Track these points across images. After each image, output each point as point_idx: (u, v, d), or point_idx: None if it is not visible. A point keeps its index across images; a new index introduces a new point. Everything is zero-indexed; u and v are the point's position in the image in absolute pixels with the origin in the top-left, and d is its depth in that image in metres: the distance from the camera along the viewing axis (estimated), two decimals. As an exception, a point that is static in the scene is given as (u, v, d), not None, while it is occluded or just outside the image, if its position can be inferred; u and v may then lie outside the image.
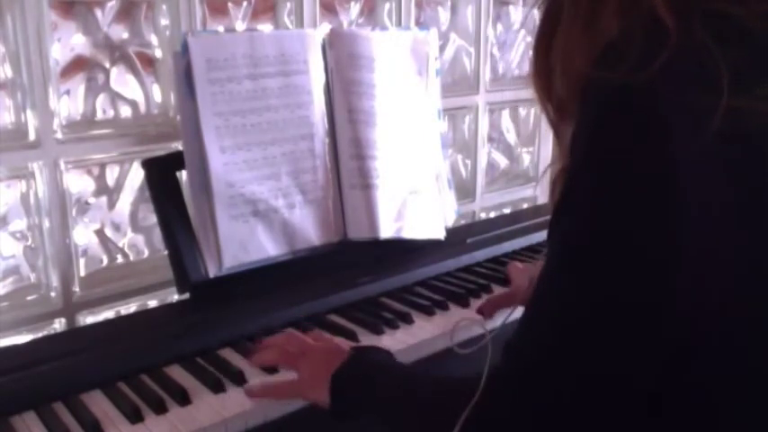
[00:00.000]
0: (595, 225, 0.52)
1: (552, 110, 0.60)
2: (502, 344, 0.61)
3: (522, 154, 1.76)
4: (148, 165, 1.08)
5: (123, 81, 1.14)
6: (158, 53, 1.16)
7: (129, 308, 1.16)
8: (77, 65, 1.09)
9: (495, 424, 0.59)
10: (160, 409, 0.85)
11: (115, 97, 1.13)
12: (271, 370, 0.94)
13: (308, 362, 0.87)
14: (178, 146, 1.12)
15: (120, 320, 1.11)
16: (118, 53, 1.12)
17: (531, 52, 0.62)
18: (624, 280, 0.51)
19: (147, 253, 1.20)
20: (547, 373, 0.55)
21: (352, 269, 1.20)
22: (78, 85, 1.09)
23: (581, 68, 0.52)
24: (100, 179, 1.14)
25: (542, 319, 0.57)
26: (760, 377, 0.52)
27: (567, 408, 0.55)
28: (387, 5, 1.41)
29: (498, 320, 1.07)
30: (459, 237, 1.38)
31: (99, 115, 1.12)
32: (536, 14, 0.62)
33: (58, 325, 1.09)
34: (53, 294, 1.08)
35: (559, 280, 0.55)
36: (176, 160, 1.08)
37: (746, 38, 0.48)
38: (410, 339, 1.05)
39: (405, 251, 1.28)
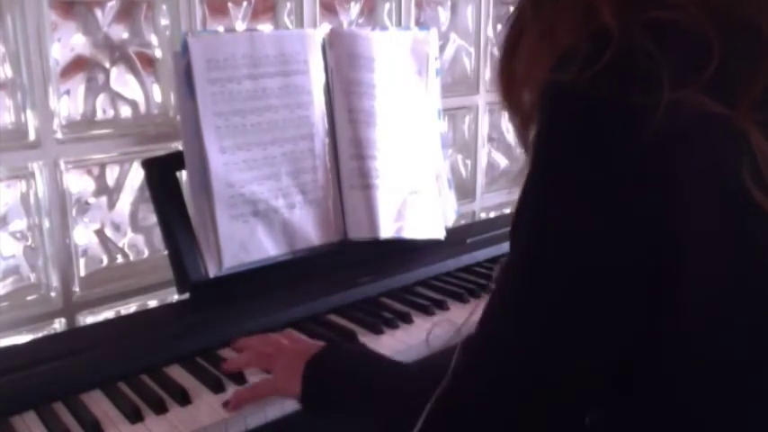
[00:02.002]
0: (546, 223, 0.55)
1: (518, 120, 0.63)
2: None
3: (523, 154, 1.76)
4: (148, 165, 1.08)
5: (123, 81, 1.14)
6: (158, 53, 1.16)
7: (129, 308, 1.16)
8: (77, 65, 1.09)
9: (459, 414, 0.60)
10: (160, 409, 0.86)
11: (115, 97, 1.13)
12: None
13: (282, 360, 0.86)
14: (178, 146, 1.12)
15: (120, 320, 1.11)
16: (118, 53, 1.12)
17: (496, 66, 0.65)
18: (577, 276, 0.53)
19: (147, 253, 1.20)
20: (504, 367, 0.56)
21: (352, 269, 1.20)
22: (78, 85, 1.09)
23: (540, 76, 0.55)
24: (100, 179, 1.14)
25: (498, 316, 0.58)
26: (739, 367, 0.53)
27: (528, 401, 0.56)
28: (387, 5, 1.41)
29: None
30: (459, 237, 1.38)
31: (99, 115, 1.12)
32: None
33: (58, 325, 1.09)
34: (53, 294, 1.08)
35: (517, 277, 0.57)
36: (176, 160, 1.08)
37: (683, 39, 0.51)
38: (410, 339, 1.05)
39: (405, 251, 1.28)
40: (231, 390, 0.90)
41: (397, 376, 0.75)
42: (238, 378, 0.92)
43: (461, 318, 1.12)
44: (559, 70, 0.52)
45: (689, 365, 0.53)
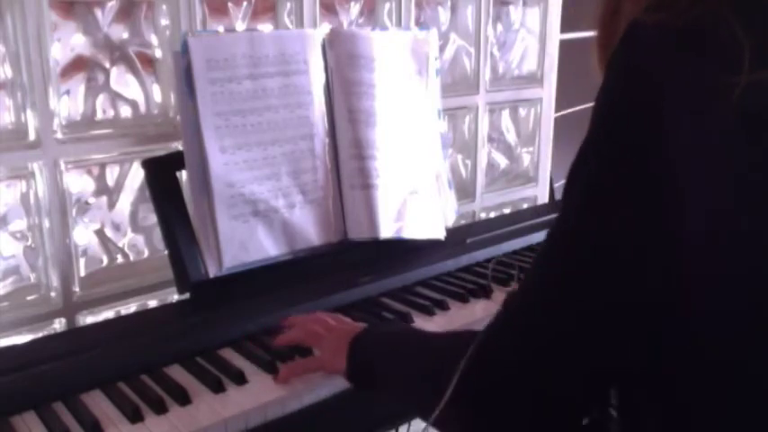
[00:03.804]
0: (591, 197, 0.55)
1: (602, 54, 0.61)
2: None
3: (522, 154, 1.76)
4: (148, 165, 1.08)
5: (123, 81, 1.14)
6: (158, 53, 1.16)
7: (129, 308, 1.16)
8: (77, 65, 1.09)
9: (491, 368, 0.60)
10: (160, 409, 0.86)
11: (115, 97, 1.13)
12: (270, 369, 0.94)
13: (330, 338, 0.89)
14: (178, 146, 1.12)
15: (120, 320, 1.11)
16: (118, 53, 1.12)
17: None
18: (614, 248, 0.53)
19: (147, 253, 1.20)
20: (542, 315, 0.57)
21: (353, 269, 1.20)
22: (78, 85, 1.09)
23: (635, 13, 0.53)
24: (100, 179, 1.14)
25: (542, 273, 0.59)
26: (759, 364, 0.52)
27: (560, 348, 0.56)
28: (387, 5, 1.41)
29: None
30: (459, 237, 1.38)
31: (99, 115, 1.12)
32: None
33: (58, 325, 1.09)
34: (53, 294, 1.08)
35: (561, 239, 0.58)
36: (176, 160, 1.08)
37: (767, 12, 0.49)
38: (410, 339, 1.05)
39: (405, 251, 1.28)
40: (231, 390, 0.90)
41: (439, 344, 0.75)
42: (239, 378, 0.92)
43: (461, 318, 1.12)
44: (648, 11, 0.51)
45: (714, 349, 0.53)
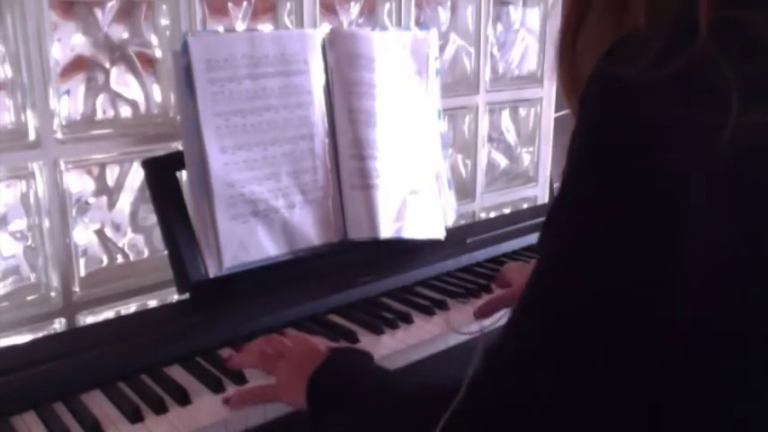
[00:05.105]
0: (585, 236, 0.51)
1: (576, 103, 0.56)
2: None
3: (522, 154, 1.76)
4: (148, 165, 1.08)
5: (123, 81, 1.14)
6: (158, 53, 1.16)
7: (129, 308, 1.16)
8: (77, 65, 1.09)
9: (474, 427, 0.58)
10: (160, 409, 0.86)
11: (115, 97, 1.13)
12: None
13: (285, 365, 0.85)
14: (178, 146, 1.13)
15: (120, 320, 1.11)
16: (118, 53, 1.12)
17: (556, 42, 0.59)
18: (613, 292, 0.50)
19: (147, 253, 1.20)
20: (527, 375, 0.53)
21: (353, 269, 1.20)
22: (78, 85, 1.09)
23: (596, 56, 0.50)
24: (100, 179, 1.14)
25: (526, 324, 0.55)
26: (759, 373, 0.52)
27: (548, 411, 0.54)
28: (387, 5, 1.41)
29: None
30: (459, 237, 1.38)
31: (99, 115, 1.12)
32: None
33: (58, 325, 1.09)
34: (53, 294, 1.08)
35: (547, 285, 0.54)
36: (176, 160, 1.08)
37: (758, 49, 0.46)
38: (410, 339, 1.05)
39: (405, 251, 1.28)
40: (231, 390, 0.90)
41: (402, 391, 0.73)
42: (239, 378, 0.92)
43: (461, 318, 1.12)
44: (616, 61, 0.47)
45: (713, 381, 0.51)
